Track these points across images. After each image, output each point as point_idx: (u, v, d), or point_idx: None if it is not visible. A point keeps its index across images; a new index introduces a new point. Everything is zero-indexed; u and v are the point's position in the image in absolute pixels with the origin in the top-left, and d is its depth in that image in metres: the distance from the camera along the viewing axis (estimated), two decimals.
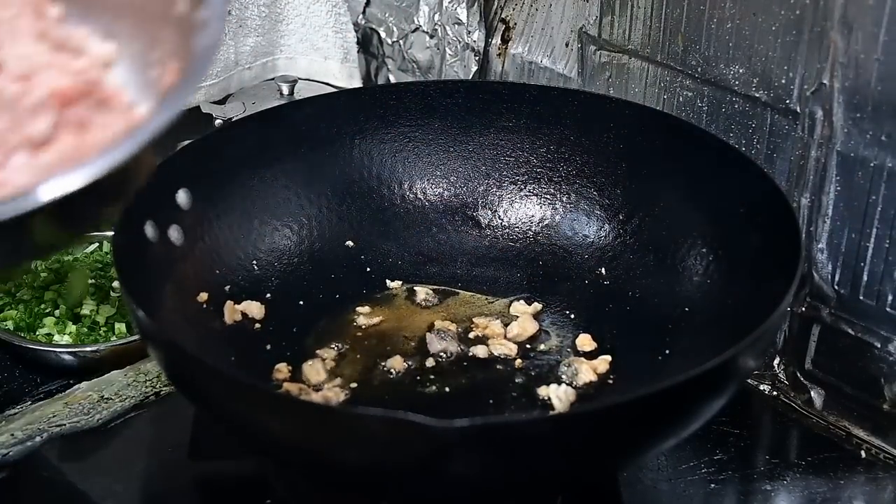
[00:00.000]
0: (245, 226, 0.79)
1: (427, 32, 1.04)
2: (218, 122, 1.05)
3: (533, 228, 0.85)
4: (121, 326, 0.83)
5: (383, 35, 1.09)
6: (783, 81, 0.74)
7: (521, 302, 0.80)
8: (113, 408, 0.76)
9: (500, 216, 0.85)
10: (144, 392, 0.78)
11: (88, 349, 0.80)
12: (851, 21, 0.68)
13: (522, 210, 0.85)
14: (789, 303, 0.62)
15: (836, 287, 0.75)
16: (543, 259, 0.83)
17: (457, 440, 0.52)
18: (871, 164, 0.70)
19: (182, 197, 0.73)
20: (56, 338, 0.81)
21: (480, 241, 0.85)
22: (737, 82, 0.77)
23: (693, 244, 0.76)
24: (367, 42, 1.11)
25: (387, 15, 1.08)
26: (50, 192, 0.48)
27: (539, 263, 0.83)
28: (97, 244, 0.92)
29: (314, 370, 0.72)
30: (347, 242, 0.83)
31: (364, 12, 1.10)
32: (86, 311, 0.83)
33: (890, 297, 0.72)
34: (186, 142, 0.77)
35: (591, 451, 0.57)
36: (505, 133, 0.86)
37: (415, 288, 0.81)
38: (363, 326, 0.77)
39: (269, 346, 0.74)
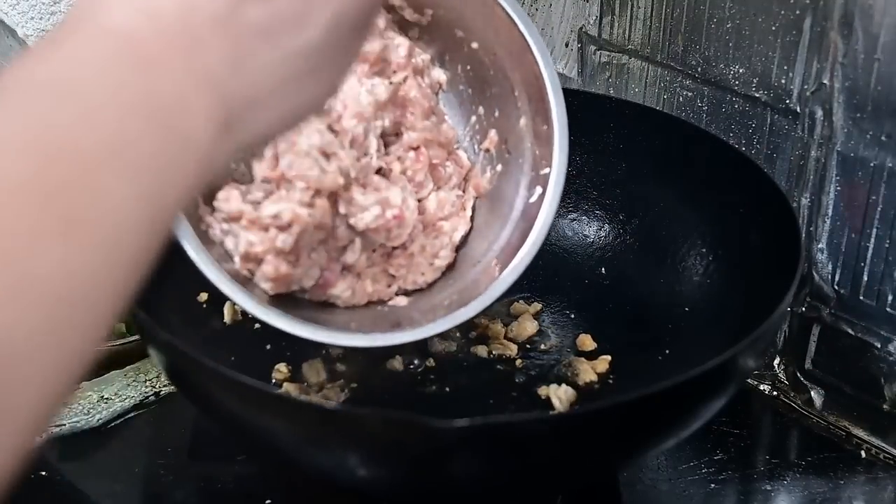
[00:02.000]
0: None
1: None
2: None
3: None
4: (121, 326, 0.82)
5: None
6: (783, 81, 0.74)
7: (521, 302, 0.80)
8: (113, 408, 0.76)
9: None
10: (144, 392, 0.77)
11: None
12: (851, 21, 0.68)
13: None
14: (789, 303, 0.62)
15: (836, 287, 0.75)
16: (543, 259, 0.82)
17: (457, 440, 0.51)
18: (871, 164, 0.70)
19: None
20: None
21: None
22: (737, 82, 0.77)
23: (693, 244, 0.76)
24: None
25: None
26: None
27: (539, 263, 0.82)
28: None
29: (314, 370, 0.72)
30: None
31: None
32: None
33: (890, 297, 0.72)
34: None
35: (591, 451, 0.57)
36: None
37: None
38: None
39: (269, 346, 0.74)
